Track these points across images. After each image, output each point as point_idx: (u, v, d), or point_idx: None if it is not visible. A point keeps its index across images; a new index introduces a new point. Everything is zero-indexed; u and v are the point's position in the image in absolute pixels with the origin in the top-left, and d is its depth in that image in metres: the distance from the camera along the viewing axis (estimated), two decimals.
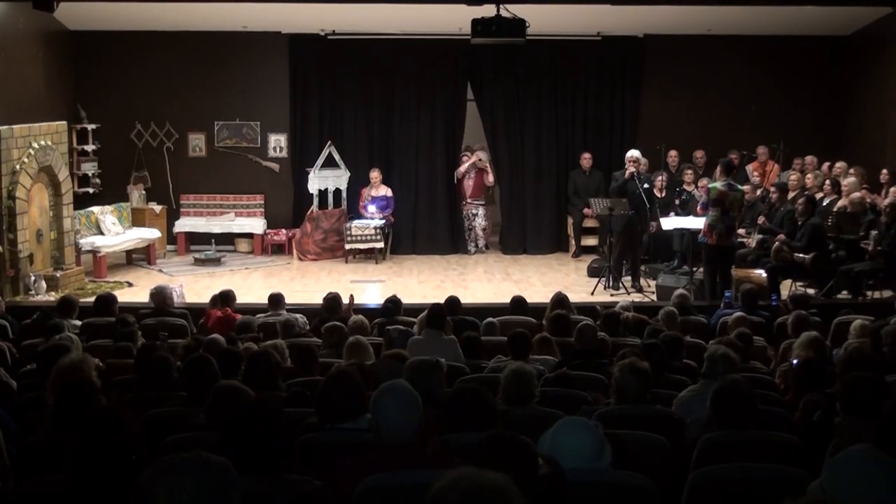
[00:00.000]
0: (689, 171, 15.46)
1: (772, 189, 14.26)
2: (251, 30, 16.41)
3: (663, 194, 15.10)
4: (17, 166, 12.97)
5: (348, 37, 16.63)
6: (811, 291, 12.53)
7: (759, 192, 14.65)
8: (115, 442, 3.70)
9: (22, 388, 6.91)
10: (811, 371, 6.38)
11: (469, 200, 16.85)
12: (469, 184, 16.79)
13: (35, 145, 13.34)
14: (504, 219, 17.26)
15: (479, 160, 16.69)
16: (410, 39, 16.59)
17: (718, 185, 12.33)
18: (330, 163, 16.42)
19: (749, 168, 15.83)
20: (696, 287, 12.36)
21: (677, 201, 15.06)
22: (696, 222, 13.03)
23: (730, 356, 6.28)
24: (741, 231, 13.58)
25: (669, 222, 14.02)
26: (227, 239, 16.79)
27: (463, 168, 16.70)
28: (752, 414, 5.09)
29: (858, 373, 5.42)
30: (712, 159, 15.70)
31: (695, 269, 13.05)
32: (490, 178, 16.85)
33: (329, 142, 16.45)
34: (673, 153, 15.98)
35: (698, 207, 12.63)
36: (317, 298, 11.31)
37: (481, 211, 16.92)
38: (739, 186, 12.78)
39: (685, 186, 15.26)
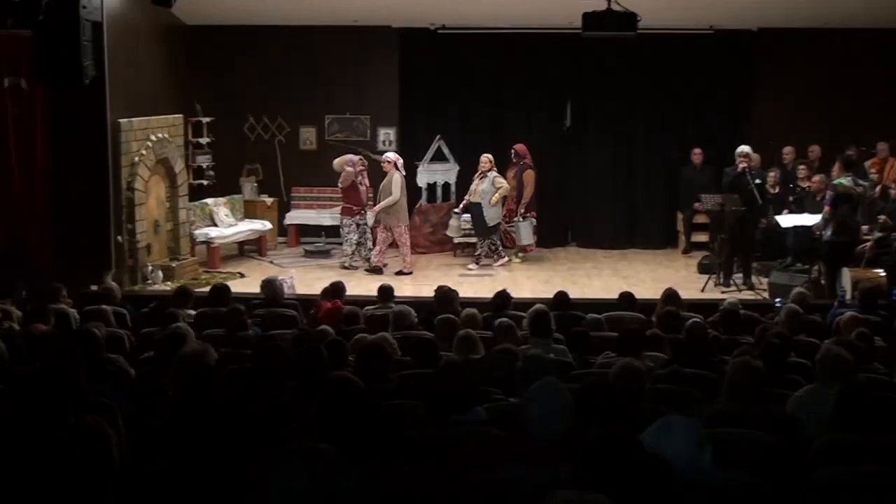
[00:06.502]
0: (804, 168, 15.11)
1: (892, 186, 13.86)
2: (362, 24, 16.53)
3: (777, 190, 14.80)
4: (136, 158, 13.29)
5: (458, 31, 16.65)
6: None
7: (878, 188, 14.24)
8: (242, 433, 3.79)
9: (139, 376, 7.08)
10: None
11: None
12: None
13: (153, 137, 13.65)
14: (607, 214, 17.09)
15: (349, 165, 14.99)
16: (520, 33, 16.53)
17: (844, 181, 12.05)
18: (439, 157, 16.47)
19: (867, 164, 15.37)
20: (811, 285, 12.07)
21: (791, 198, 14.73)
22: (813, 219, 12.76)
23: (842, 356, 6.10)
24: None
25: (786, 219, 13.74)
26: (337, 231, 16.91)
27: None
28: (877, 417, 4.97)
29: None
30: (827, 155, 15.33)
31: (809, 266, 12.80)
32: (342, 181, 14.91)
33: (438, 136, 16.50)
34: (788, 149, 15.60)
35: (825, 205, 12.26)
36: (425, 291, 11.34)
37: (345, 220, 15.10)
38: (862, 181, 12.52)
39: (799, 183, 14.92)
